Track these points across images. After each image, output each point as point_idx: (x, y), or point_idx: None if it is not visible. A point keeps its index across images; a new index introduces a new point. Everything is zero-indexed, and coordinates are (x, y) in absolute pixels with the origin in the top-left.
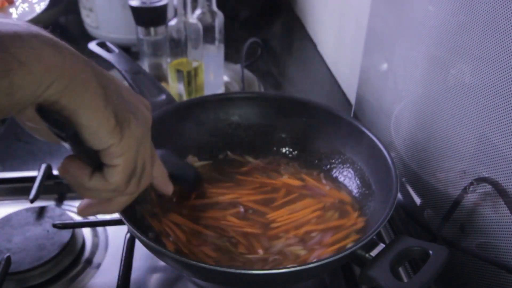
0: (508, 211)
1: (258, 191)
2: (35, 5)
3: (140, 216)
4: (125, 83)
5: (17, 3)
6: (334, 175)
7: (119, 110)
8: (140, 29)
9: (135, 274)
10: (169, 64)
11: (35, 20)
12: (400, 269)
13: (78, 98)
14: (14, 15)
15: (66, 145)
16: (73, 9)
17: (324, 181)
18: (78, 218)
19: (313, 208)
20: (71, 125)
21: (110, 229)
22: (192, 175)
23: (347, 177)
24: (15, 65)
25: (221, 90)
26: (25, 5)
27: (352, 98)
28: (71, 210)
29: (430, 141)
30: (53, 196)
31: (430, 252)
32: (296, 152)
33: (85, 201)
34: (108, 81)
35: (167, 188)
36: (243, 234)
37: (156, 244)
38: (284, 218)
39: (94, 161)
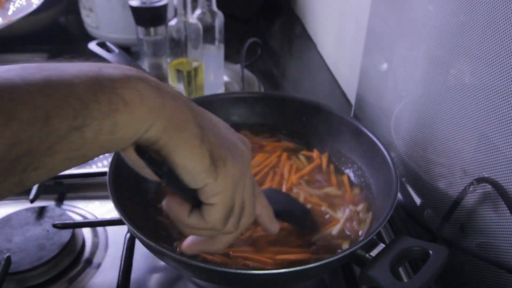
0: (508, 211)
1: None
2: (32, 0)
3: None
4: (224, 123)
5: None
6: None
7: (214, 149)
8: (140, 29)
9: (135, 274)
10: (169, 64)
11: (35, 21)
12: (400, 269)
13: (175, 138)
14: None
15: (165, 183)
16: (73, 9)
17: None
18: (78, 218)
19: None
20: (166, 164)
21: (110, 229)
22: (301, 212)
23: (347, 177)
24: (120, 105)
25: (221, 90)
26: (22, 0)
27: (352, 98)
28: (71, 210)
29: (430, 141)
30: (53, 196)
31: (430, 252)
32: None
33: (191, 238)
34: (205, 120)
35: (273, 226)
36: None
37: (156, 244)
38: None
39: (193, 199)
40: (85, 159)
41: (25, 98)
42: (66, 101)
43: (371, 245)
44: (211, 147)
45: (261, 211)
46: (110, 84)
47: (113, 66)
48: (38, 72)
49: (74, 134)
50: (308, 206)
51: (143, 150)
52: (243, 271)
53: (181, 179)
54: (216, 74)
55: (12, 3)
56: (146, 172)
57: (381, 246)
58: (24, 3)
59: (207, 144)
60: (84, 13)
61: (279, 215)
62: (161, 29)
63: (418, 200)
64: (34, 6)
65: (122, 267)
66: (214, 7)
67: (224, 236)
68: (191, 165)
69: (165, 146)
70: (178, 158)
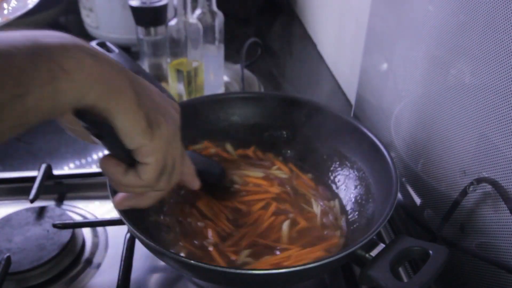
0: (508, 211)
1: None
2: (28, 0)
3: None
4: (157, 89)
5: None
6: (333, 176)
7: (150, 113)
8: (140, 29)
9: (135, 274)
10: (169, 64)
11: (35, 21)
12: (400, 269)
13: (114, 102)
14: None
15: (102, 144)
16: (73, 9)
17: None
18: (78, 218)
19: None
20: (106, 125)
21: (110, 229)
22: (218, 170)
23: (347, 177)
24: (60, 73)
25: (221, 90)
26: (18, 0)
27: (352, 98)
28: (71, 210)
29: (430, 141)
30: (53, 196)
31: (430, 252)
32: (296, 152)
33: (121, 194)
34: (141, 87)
35: (195, 183)
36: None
37: (156, 244)
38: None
39: (128, 159)
40: (27, 126)
41: None
42: (6, 71)
43: (371, 245)
44: (147, 111)
45: (185, 170)
46: (48, 52)
47: (48, 34)
48: None
49: (17, 102)
50: None
51: (83, 113)
52: (243, 271)
53: (119, 140)
54: (216, 74)
55: (6, 3)
56: (81, 133)
57: (381, 246)
58: (19, 3)
59: (143, 108)
60: (84, 13)
61: (199, 173)
62: (161, 29)
63: (418, 200)
64: (30, 6)
65: (122, 267)
66: (214, 7)
67: (154, 192)
68: (129, 127)
69: (104, 110)
70: (116, 121)
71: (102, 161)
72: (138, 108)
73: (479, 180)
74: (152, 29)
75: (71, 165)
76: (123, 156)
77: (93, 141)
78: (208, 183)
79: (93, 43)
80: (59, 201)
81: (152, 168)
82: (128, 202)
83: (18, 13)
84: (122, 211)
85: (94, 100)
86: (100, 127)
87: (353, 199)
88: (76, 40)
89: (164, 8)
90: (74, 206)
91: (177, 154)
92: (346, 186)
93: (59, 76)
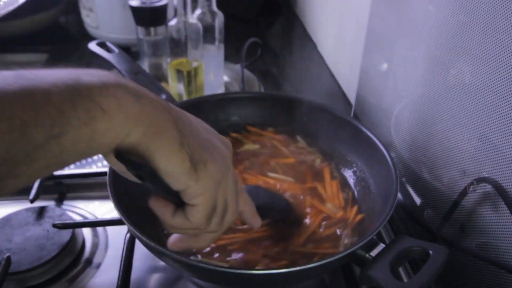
0: (508, 211)
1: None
2: None
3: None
4: (205, 124)
5: None
6: (333, 175)
7: (194, 152)
8: (140, 29)
9: (135, 274)
10: (169, 64)
11: (35, 21)
12: (400, 269)
13: (154, 143)
14: None
15: (148, 185)
16: (73, 9)
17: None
18: (78, 218)
19: None
20: (146, 167)
21: (110, 229)
22: (283, 206)
23: (347, 177)
24: (98, 113)
25: (221, 90)
26: None
27: (352, 98)
28: (71, 210)
29: (430, 141)
30: (53, 196)
31: (430, 252)
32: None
33: (175, 235)
34: (185, 124)
35: (255, 222)
36: None
37: (156, 244)
38: None
39: (176, 200)
40: (64, 165)
41: (1, 108)
42: (43, 110)
43: (371, 245)
44: (191, 150)
45: (244, 207)
46: (88, 92)
47: (91, 73)
48: (16, 81)
49: (52, 142)
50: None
51: (122, 154)
52: (243, 271)
53: (163, 181)
54: (216, 74)
55: None
56: (129, 174)
57: (381, 246)
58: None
59: (186, 148)
60: (84, 13)
61: (261, 210)
62: (161, 29)
63: (418, 200)
64: (21, 1)
65: (122, 267)
66: (214, 7)
67: (208, 234)
68: (171, 168)
69: (146, 151)
70: (158, 162)
71: (152, 201)
72: (180, 147)
73: (479, 180)
74: (152, 29)
75: (71, 165)
76: (171, 197)
77: (139, 182)
78: (273, 219)
79: (93, 43)
80: (59, 201)
81: (200, 210)
82: (182, 244)
83: (10, 8)
84: (120, 210)
85: (134, 141)
86: (141, 169)
87: None
88: (118, 78)
89: (164, 8)
90: (74, 206)
91: (229, 193)
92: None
93: (97, 116)
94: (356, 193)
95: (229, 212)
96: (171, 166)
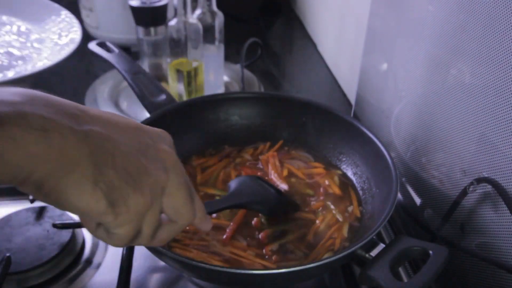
0: (508, 211)
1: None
2: None
3: None
4: (142, 137)
5: None
6: (333, 175)
7: (113, 189)
8: (140, 29)
9: (135, 274)
10: (169, 64)
11: None
12: (400, 269)
13: (63, 182)
14: None
15: None
16: (73, 9)
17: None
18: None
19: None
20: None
21: None
22: (274, 202)
23: (347, 177)
24: None
25: (221, 90)
26: None
27: (352, 98)
28: None
29: (430, 141)
30: None
31: (430, 252)
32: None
33: None
34: (107, 153)
35: (204, 225)
36: None
37: None
38: None
39: None
40: None
41: None
42: None
43: (371, 245)
44: (108, 188)
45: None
46: None
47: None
48: None
49: None
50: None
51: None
52: (243, 271)
53: None
54: (216, 74)
55: None
56: None
57: (381, 246)
58: None
59: (102, 185)
60: (84, 13)
61: (249, 206)
62: (161, 29)
63: (418, 200)
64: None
65: (122, 267)
66: (214, 7)
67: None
68: (84, 208)
69: (52, 191)
70: (67, 203)
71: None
72: (93, 186)
73: (479, 180)
74: (152, 29)
75: None
76: None
77: None
78: (263, 214)
79: (93, 43)
80: None
81: (120, 238)
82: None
83: None
84: None
85: (39, 180)
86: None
87: None
88: (25, 108)
89: (164, 8)
90: None
91: (155, 219)
92: None
93: None
94: (356, 193)
95: (166, 229)
96: (84, 206)
